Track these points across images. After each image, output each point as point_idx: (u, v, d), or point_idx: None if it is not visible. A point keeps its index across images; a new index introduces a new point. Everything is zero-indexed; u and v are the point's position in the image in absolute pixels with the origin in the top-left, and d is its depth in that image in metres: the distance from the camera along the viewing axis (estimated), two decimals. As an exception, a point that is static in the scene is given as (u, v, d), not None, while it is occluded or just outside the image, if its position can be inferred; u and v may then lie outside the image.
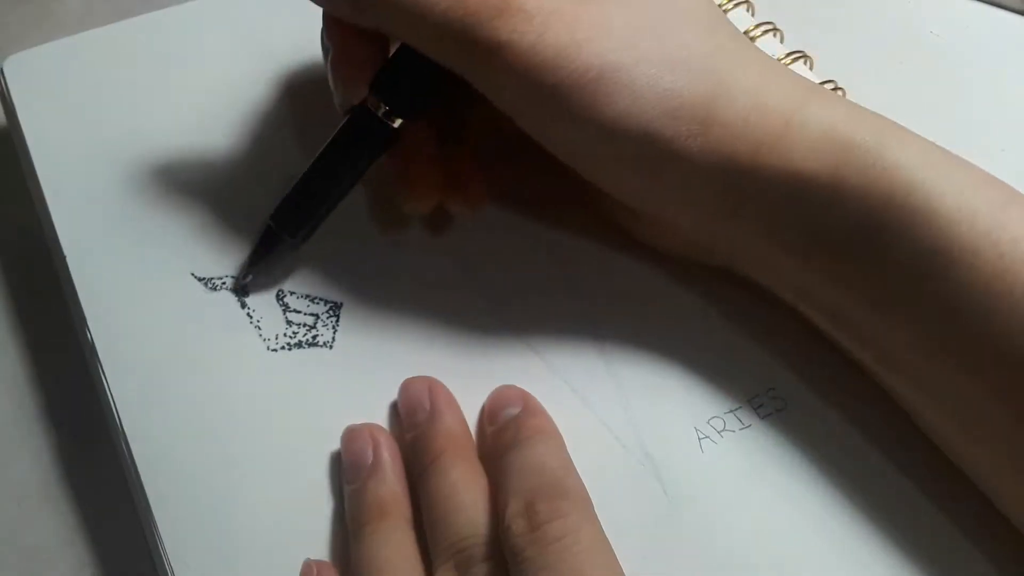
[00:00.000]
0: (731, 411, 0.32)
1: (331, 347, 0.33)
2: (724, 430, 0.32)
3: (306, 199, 0.33)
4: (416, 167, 0.33)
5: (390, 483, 0.30)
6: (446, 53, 0.29)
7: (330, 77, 0.32)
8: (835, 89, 0.38)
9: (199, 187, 0.36)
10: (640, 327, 0.33)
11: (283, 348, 0.33)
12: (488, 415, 0.31)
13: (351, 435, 0.31)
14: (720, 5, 0.41)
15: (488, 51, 0.28)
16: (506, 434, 0.30)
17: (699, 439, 0.31)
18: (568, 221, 0.35)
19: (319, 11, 0.32)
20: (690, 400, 0.32)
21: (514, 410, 0.31)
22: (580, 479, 0.29)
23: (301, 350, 0.33)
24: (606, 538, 0.27)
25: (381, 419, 0.31)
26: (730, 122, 0.29)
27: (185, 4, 0.41)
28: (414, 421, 0.31)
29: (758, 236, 0.31)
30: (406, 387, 0.32)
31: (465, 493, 0.29)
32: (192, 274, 0.34)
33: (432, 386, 0.31)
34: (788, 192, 0.29)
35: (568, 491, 0.28)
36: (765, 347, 0.33)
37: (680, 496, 0.30)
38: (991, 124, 0.39)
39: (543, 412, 0.31)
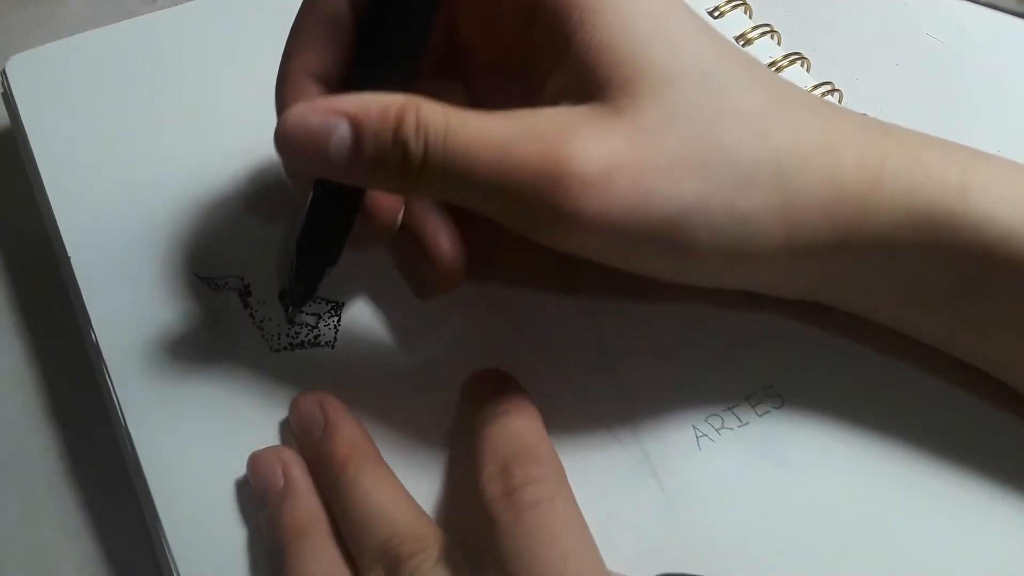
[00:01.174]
0: (728, 408, 0.32)
1: (333, 347, 0.33)
2: (722, 428, 0.32)
3: (328, 223, 0.31)
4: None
5: (305, 501, 0.29)
6: (506, 219, 0.28)
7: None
8: (832, 91, 0.38)
9: (202, 187, 0.36)
10: (638, 324, 0.33)
11: (285, 348, 0.33)
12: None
13: (257, 460, 0.30)
14: (717, 7, 0.41)
15: (553, 221, 0.27)
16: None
17: (696, 437, 0.32)
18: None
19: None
20: (688, 397, 0.32)
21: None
22: (554, 448, 0.29)
23: (303, 350, 0.33)
24: (578, 508, 0.27)
25: (382, 419, 0.31)
26: (810, 222, 0.28)
27: (187, 4, 0.41)
28: (311, 438, 0.31)
29: (845, 297, 0.31)
30: (296, 406, 0.31)
31: (378, 496, 0.29)
32: (195, 274, 0.34)
33: (322, 400, 0.31)
34: (878, 265, 0.29)
35: (541, 457, 0.28)
36: (762, 344, 0.33)
37: (677, 494, 0.30)
38: (987, 125, 0.39)
39: (519, 388, 0.31)
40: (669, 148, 0.27)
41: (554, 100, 0.28)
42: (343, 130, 0.27)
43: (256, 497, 0.30)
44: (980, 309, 0.29)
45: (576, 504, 0.28)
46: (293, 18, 0.30)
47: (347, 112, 0.27)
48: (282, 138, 0.27)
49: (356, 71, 0.29)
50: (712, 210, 0.27)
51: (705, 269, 0.29)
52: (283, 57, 0.30)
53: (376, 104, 0.27)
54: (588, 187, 0.26)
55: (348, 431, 0.30)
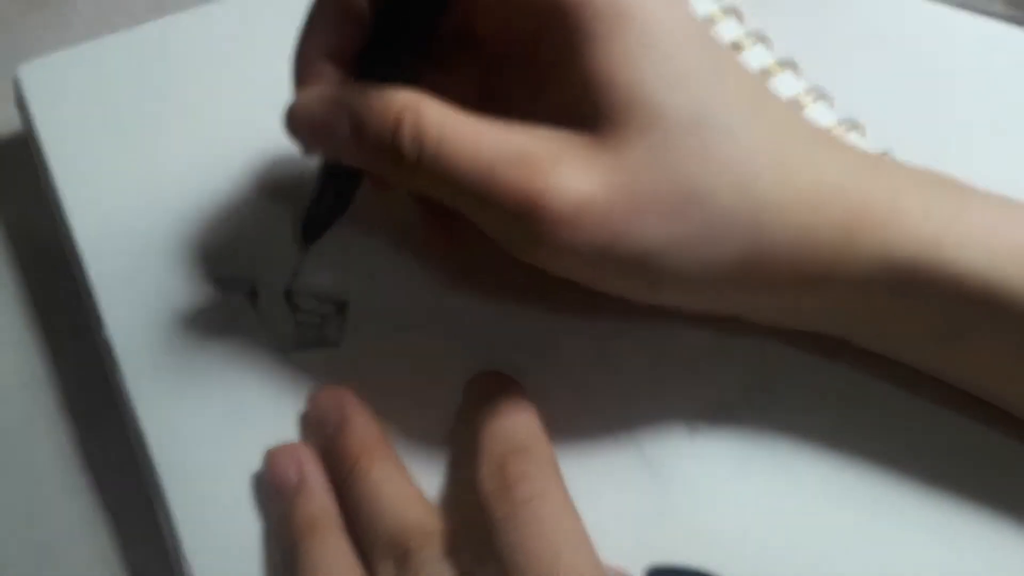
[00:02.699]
0: (723, 400, 0.32)
1: (339, 346, 0.34)
2: (715, 418, 0.32)
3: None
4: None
5: (318, 496, 0.30)
6: (489, 231, 0.29)
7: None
8: (823, 98, 0.39)
9: (212, 190, 0.36)
10: (633, 317, 0.33)
11: (293, 348, 0.33)
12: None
13: (274, 457, 0.31)
14: (711, 16, 0.41)
15: (526, 244, 0.28)
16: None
17: (690, 427, 0.32)
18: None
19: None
20: (682, 392, 0.32)
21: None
22: (550, 445, 0.29)
23: (310, 349, 0.33)
24: (572, 502, 0.28)
25: (388, 418, 0.32)
26: (778, 271, 0.28)
27: (199, 8, 0.42)
28: (326, 433, 0.31)
29: (820, 329, 0.31)
30: (313, 401, 0.32)
31: (389, 492, 0.29)
32: (206, 275, 0.35)
33: (340, 396, 0.32)
34: (849, 308, 0.30)
35: (536, 454, 0.28)
36: (756, 338, 0.33)
37: (672, 488, 0.31)
38: (979, 131, 0.39)
39: (518, 389, 0.31)
40: (644, 190, 0.27)
41: (552, 111, 0.28)
42: (345, 126, 0.28)
43: (270, 492, 0.30)
44: (960, 349, 0.30)
45: (570, 499, 0.28)
46: (304, 23, 0.31)
47: (351, 107, 0.28)
48: (290, 123, 0.30)
49: (369, 53, 0.30)
50: (678, 255, 0.28)
51: (674, 298, 0.30)
52: (299, 35, 0.31)
53: (378, 103, 0.28)
54: (559, 223, 0.27)
55: (363, 427, 0.31)
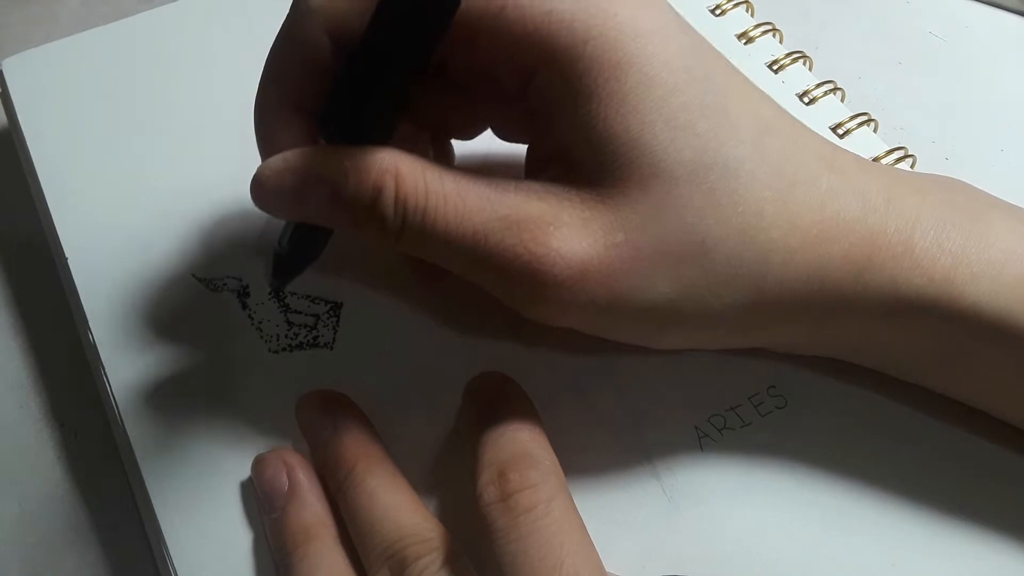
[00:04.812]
0: (731, 409, 0.32)
1: (332, 348, 0.33)
2: (724, 428, 0.32)
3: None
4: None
5: (311, 505, 0.29)
6: (485, 287, 0.28)
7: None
8: (834, 90, 0.38)
9: (201, 187, 0.36)
10: None
11: (284, 349, 0.33)
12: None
13: (262, 464, 0.30)
14: (719, 6, 0.41)
15: (525, 304, 0.28)
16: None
17: (699, 437, 0.31)
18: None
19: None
20: (690, 398, 0.32)
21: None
22: (553, 453, 0.29)
23: (302, 351, 0.33)
24: (576, 512, 0.27)
25: (381, 420, 0.31)
26: (783, 312, 0.28)
27: (183, 2, 0.41)
28: (320, 439, 0.31)
29: (827, 354, 0.32)
30: (304, 406, 0.31)
31: (385, 498, 0.29)
32: (193, 275, 0.34)
33: (331, 399, 0.31)
34: (856, 338, 0.30)
35: (539, 462, 0.28)
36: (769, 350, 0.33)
37: (679, 495, 0.30)
38: (990, 124, 0.39)
39: (521, 392, 0.31)
40: (648, 245, 0.26)
41: (544, 161, 0.28)
42: (320, 195, 0.27)
43: (261, 500, 0.30)
44: (965, 371, 0.30)
45: (574, 508, 0.27)
46: (263, 73, 0.30)
47: (324, 176, 0.27)
48: (259, 195, 0.28)
49: (337, 106, 0.28)
50: (684, 304, 0.27)
51: (683, 343, 0.30)
52: (261, 86, 0.29)
53: (353, 169, 0.27)
54: (560, 285, 0.26)
55: (357, 432, 0.30)
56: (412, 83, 0.27)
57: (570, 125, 0.27)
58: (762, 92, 0.29)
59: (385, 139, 0.27)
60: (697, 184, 0.26)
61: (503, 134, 0.31)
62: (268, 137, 0.29)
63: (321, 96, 0.28)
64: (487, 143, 0.32)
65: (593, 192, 0.27)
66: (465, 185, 0.27)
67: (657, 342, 0.30)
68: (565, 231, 0.26)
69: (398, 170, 0.27)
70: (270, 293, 0.34)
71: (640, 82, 0.26)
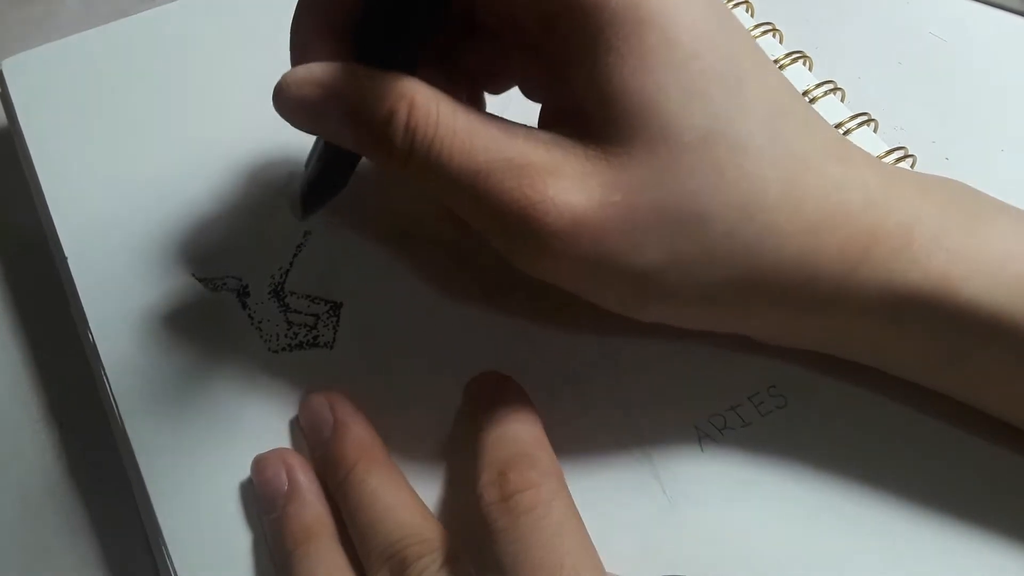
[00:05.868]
0: (732, 408, 0.32)
1: (332, 347, 0.33)
2: (725, 428, 0.31)
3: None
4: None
5: (311, 504, 0.29)
6: (483, 232, 0.28)
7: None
8: (834, 90, 0.38)
9: (200, 187, 0.36)
10: (640, 322, 0.32)
11: (284, 349, 0.33)
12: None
13: (261, 463, 0.30)
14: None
15: (521, 250, 0.28)
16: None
17: (699, 437, 0.31)
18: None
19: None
20: (690, 397, 0.32)
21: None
22: (553, 454, 0.29)
23: (302, 351, 0.33)
24: (577, 512, 0.27)
25: (382, 420, 0.31)
26: (773, 296, 0.28)
27: (182, 1, 0.41)
28: (321, 438, 0.31)
29: (822, 348, 0.31)
30: (305, 406, 0.31)
31: (386, 498, 0.29)
32: (193, 275, 0.34)
33: (332, 399, 0.31)
34: (848, 333, 0.29)
35: (539, 462, 0.28)
36: (768, 348, 0.32)
37: (679, 495, 0.30)
38: (990, 124, 0.39)
39: (520, 392, 0.31)
40: (645, 209, 0.26)
41: (555, 107, 0.28)
42: (335, 111, 0.27)
43: (261, 500, 0.30)
44: (960, 369, 0.29)
45: (574, 508, 0.27)
46: (290, 15, 0.30)
47: (342, 92, 0.27)
48: (279, 101, 0.28)
49: (367, 29, 0.28)
50: (675, 274, 0.27)
51: (670, 316, 0.30)
52: (299, 7, 0.29)
53: (371, 91, 0.27)
54: (554, 235, 0.26)
55: (358, 431, 0.30)
56: (438, 8, 0.27)
57: (586, 77, 0.27)
58: (780, 73, 0.29)
59: (411, 68, 0.28)
60: (704, 154, 0.26)
61: (528, 89, 0.31)
62: (300, 56, 0.29)
63: (354, 18, 0.28)
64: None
65: (598, 148, 0.26)
66: (476, 124, 0.27)
67: (640, 312, 0.29)
68: (564, 182, 0.26)
69: (413, 98, 0.27)
70: (270, 292, 0.34)
71: (661, 42, 0.26)
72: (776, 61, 0.39)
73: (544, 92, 0.31)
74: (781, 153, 0.27)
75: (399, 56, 0.28)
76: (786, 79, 0.29)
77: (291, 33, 0.29)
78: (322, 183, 0.31)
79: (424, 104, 0.27)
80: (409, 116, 0.27)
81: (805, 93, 0.38)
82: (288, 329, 0.33)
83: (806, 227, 0.27)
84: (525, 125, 0.28)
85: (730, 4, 0.41)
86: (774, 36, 0.40)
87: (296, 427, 0.32)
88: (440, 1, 0.27)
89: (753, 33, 0.40)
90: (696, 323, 0.30)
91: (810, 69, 0.39)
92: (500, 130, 0.27)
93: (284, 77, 0.28)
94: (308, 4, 0.29)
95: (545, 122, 0.31)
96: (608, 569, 0.27)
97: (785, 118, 0.28)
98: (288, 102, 0.28)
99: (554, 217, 0.26)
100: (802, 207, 0.27)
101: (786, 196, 0.27)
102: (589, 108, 0.27)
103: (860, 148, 0.30)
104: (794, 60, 0.39)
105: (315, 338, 0.33)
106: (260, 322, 0.33)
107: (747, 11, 0.41)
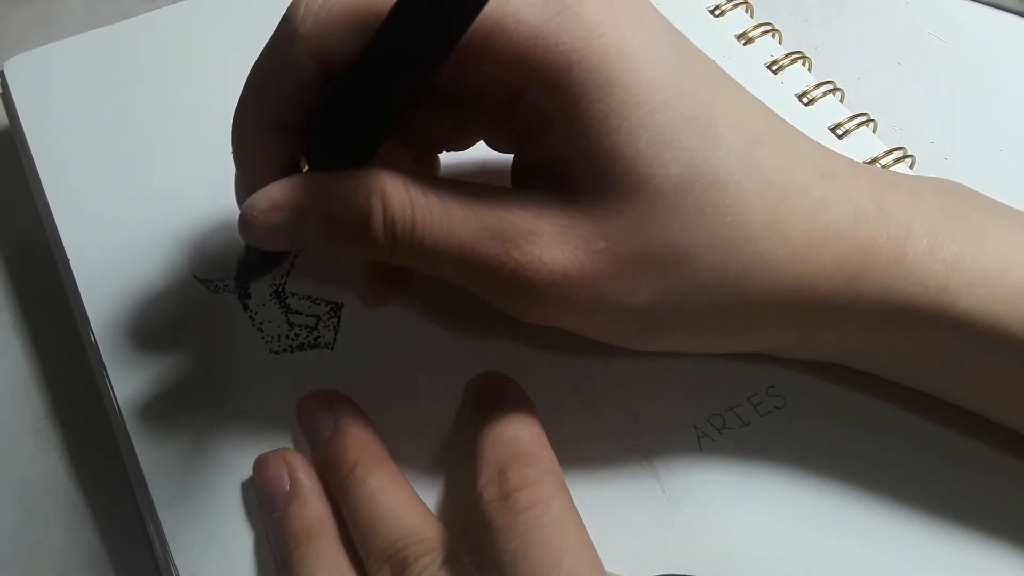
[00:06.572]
0: (730, 408, 0.32)
1: (332, 348, 0.33)
2: (724, 428, 0.32)
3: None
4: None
5: (312, 504, 0.30)
6: (476, 293, 0.29)
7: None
8: (834, 90, 0.38)
9: (202, 188, 0.36)
10: None
11: (285, 350, 0.33)
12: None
13: (263, 464, 0.30)
14: (719, 6, 0.41)
15: (512, 306, 0.28)
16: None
17: (698, 437, 0.31)
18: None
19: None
20: (689, 397, 0.32)
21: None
22: (552, 453, 0.29)
23: (303, 352, 0.33)
24: (576, 510, 0.27)
25: (382, 420, 0.31)
26: (769, 321, 0.29)
27: (185, 3, 0.41)
28: (321, 438, 0.31)
29: (821, 358, 0.32)
30: (306, 407, 0.31)
31: (386, 498, 0.29)
32: (194, 276, 0.34)
33: (332, 400, 0.31)
34: (845, 346, 0.30)
35: (538, 461, 0.28)
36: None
37: (679, 495, 0.30)
38: (989, 124, 0.39)
39: (520, 392, 0.31)
40: (628, 255, 0.27)
41: (530, 169, 0.28)
42: (311, 228, 0.28)
43: (262, 500, 0.30)
44: (958, 376, 0.30)
45: (573, 506, 0.28)
46: (243, 92, 0.29)
47: (315, 212, 0.27)
48: (249, 236, 0.28)
49: (325, 130, 0.28)
50: (668, 310, 0.28)
51: (670, 346, 0.30)
52: (241, 105, 0.29)
53: (341, 197, 0.27)
54: (544, 290, 0.27)
55: (358, 432, 0.30)
56: (403, 110, 0.27)
57: (555, 143, 0.27)
58: (755, 99, 0.29)
59: (369, 159, 0.28)
60: (682, 196, 0.26)
61: (494, 146, 0.31)
62: (245, 155, 0.29)
63: (300, 118, 0.28)
64: (484, 149, 0.32)
65: (575, 201, 0.27)
66: (448, 198, 0.27)
67: (644, 344, 0.30)
68: (545, 241, 0.27)
69: (383, 191, 0.27)
70: (271, 293, 0.34)
71: (625, 101, 0.26)
72: (776, 61, 0.39)
73: (512, 149, 0.31)
74: (761, 181, 0.27)
75: (361, 151, 0.27)
76: (761, 103, 0.29)
77: (233, 129, 0.29)
78: (257, 265, 0.31)
79: (396, 194, 0.27)
80: (384, 211, 0.27)
81: (804, 93, 0.38)
82: (289, 330, 0.33)
83: (796, 251, 0.27)
84: (496, 187, 0.28)
85: (730, 4, 0.41)
86: (774, 36, 0.40)
87: (297, 427, 0.32)
88: (411, 99, 0.27)
89: (752, 34, 0.40)
90: (703, 349, 0.31)
91: (809, 69, 0.39)
92: (473, 198, 0.27)
93: (247, 207, 0.28)
94: (252, 97, 0.29)
95: (519, 175, 0.30)
96: (608, 568, 0.27)
97: (763, 145, 0.28)
98: (258, 231, 0.28)
99: (544, 274, 0.27)
100: (789, 232, 0.27)
101: (771, 224, 0.27)
102: (561, 168, 0.27)
103: (848, 160, 0.30)
104: (794, 60, 0.39)
105: (316, 339, 0.33)
106: (261, 323, 0.33)
107: (747, 11, 0.41)
